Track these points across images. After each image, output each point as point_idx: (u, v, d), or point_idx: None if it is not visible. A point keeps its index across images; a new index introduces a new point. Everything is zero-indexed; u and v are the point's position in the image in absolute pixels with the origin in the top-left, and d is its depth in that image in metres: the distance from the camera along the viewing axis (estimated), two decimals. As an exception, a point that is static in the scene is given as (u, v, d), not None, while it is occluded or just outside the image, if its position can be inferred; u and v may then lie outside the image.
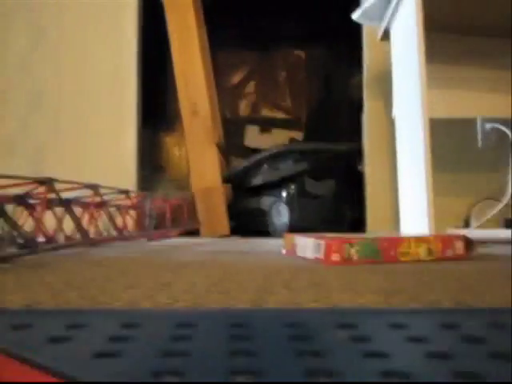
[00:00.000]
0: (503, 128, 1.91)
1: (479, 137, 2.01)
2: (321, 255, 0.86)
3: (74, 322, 0.38)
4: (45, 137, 2.15)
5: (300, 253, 0.96)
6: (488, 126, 1.98)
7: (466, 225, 1.98)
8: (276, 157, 2.32)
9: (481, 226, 1.86)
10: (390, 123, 1.95)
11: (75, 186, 1.11)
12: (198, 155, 2.17)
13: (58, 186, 1.08)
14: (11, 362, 0.28)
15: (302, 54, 3.05)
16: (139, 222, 1.55)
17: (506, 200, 1.83)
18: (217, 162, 2.18)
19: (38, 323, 0.39)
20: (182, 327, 0.38)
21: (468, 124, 1.98)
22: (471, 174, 2.03)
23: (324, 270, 0.77)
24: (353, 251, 0.86)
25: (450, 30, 1.80)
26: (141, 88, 2.21)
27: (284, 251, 1.06)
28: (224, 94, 2.82)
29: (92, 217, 1.24)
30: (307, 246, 0.93)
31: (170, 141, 2.88)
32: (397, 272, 0.75)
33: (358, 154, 2.19)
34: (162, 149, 2.88)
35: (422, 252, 0.89)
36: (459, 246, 0.92)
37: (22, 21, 2.19)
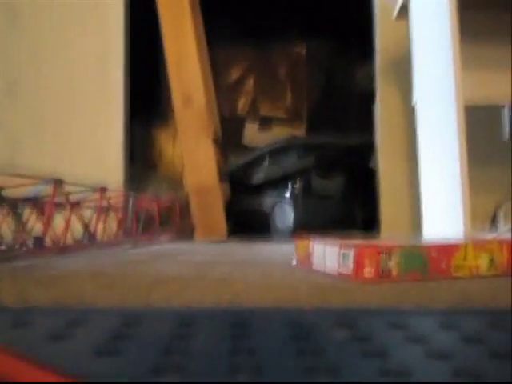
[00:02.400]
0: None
1: (506, 127, 1.80)
2: (348, 269, 0.64)
3: (75, 320, 0.39)
4: (21, 128, 1.92)
5: (318, 264, 0.73)
6: (516, 114, 1.76)
7: (493, 225, 1.76)
8: (279, 152, 2.12)
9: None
10: (407, 112, 1.74)
11: (29, 180, 0.88)
12: (192, 150, 1.94)
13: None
14: (12, 360, 0.26)
15: (303, 44, 2.82)
16: (121, 226, 1.33)
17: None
18: (213, 158, 1.95)
19: (38, 321, 0.39)
20: (183, 326, 0.37)
21: (495, 112, 1.76)
22: (499, 168, 1.80)
23: (358, 294, 0.54)
24: (391, 263, 0.63)
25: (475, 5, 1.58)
26: (129, 76, 1.98)
27: (295, 261, 0.83)
28: (222, 91, 2.59)
29: (58, 218, 1.01)
30: (328, 255, 0.70)
31: (163, 136, 2.66)
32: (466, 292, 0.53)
33: (369, 149, 1.98)
34: (154, 145, 2.65)
35: (482, 264, 0.67)
36: (529, 256, 0.70)
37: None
